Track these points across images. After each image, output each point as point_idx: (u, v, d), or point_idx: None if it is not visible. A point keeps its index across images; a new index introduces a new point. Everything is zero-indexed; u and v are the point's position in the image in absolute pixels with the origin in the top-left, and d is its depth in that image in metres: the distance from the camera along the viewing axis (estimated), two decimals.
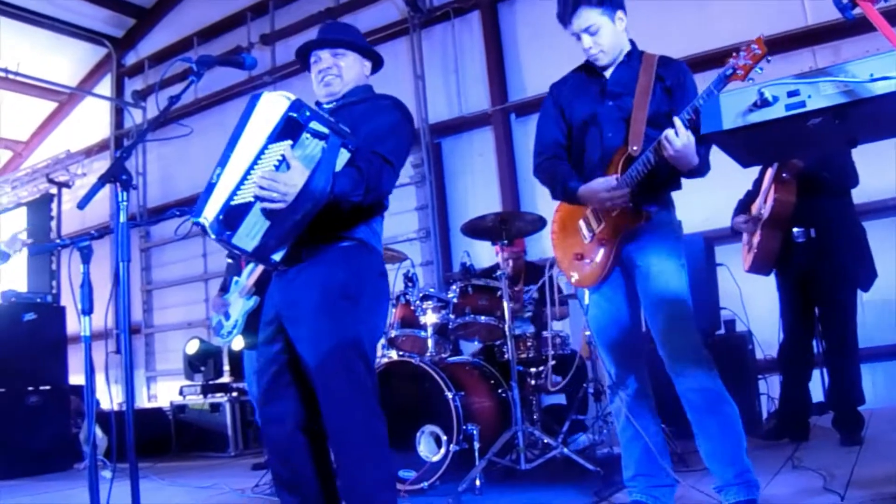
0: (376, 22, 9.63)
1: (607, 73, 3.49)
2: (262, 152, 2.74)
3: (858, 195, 5.07)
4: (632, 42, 3.52)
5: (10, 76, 11.18)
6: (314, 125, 2.77)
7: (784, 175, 4.75)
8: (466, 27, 9.18)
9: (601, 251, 3.45)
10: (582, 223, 3.55)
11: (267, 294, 3.16)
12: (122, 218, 2.68)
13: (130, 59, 12.64)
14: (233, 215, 2.72)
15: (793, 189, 4.77)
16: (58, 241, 3.59)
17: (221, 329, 6.38)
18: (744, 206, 5.28)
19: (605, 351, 3.54)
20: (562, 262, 3.68)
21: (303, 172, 2.74)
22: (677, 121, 3.06)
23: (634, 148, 3.30)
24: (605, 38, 3.39)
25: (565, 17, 3.38)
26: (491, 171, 8.77)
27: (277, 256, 2.81)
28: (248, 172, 2.73)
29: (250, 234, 2.75)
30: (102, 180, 2.75)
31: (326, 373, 2.85)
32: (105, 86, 12.81)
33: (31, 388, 7.74)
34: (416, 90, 9.14)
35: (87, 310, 3.12)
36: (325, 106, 3.22)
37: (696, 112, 3.03)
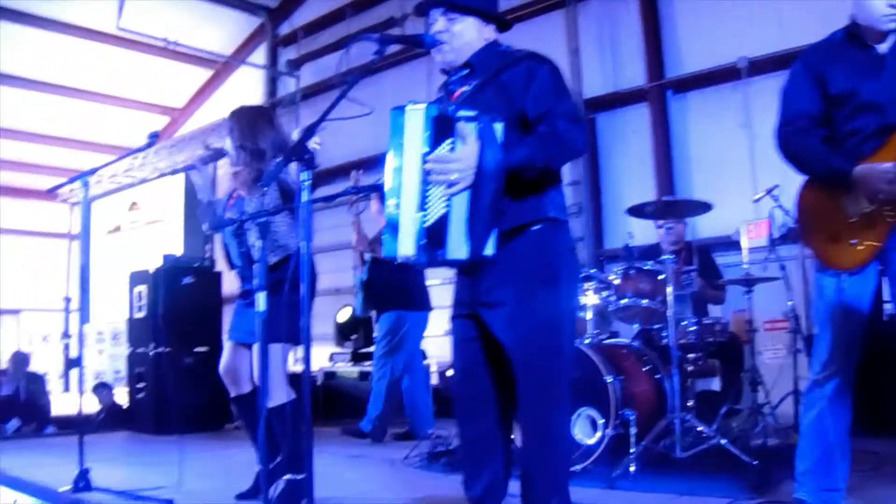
0: None
1: (880, 47, 3.10)
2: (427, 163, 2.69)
3: None
4: None
5: (169, 46, 11.53)
6: (461, 113, 2.69)
7: None
8: (623, 1, 8.91)
9: (872, 232, 3.07)
10: (847, 200, 3.13)
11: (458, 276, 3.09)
12: (305, 197, 2.68)
13: (284, 29, 12.83)
14: (434, 234, 2.66)
15: None
16: (233, 217, 3.69)
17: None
18: None
19: (829, 339, 3.20)
20: (814, 242, 3.29)
21: (472, 148, 2.65)
22: None
23: None
24: None
25: None
26: (645, 150, 8.52)
27: (490, 249, 2.71)
28: (424, 189, 2.67)
29: (458, 243, 2.66)
30: (285, 159, 2.76)
31: (527, 357, 2.81)
32: (259, 55, 13.09)
33: (191, 349, 8.06)
34: (570, 64, 8.91)
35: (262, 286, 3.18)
36: (456, 85, 3.06)
37: None
